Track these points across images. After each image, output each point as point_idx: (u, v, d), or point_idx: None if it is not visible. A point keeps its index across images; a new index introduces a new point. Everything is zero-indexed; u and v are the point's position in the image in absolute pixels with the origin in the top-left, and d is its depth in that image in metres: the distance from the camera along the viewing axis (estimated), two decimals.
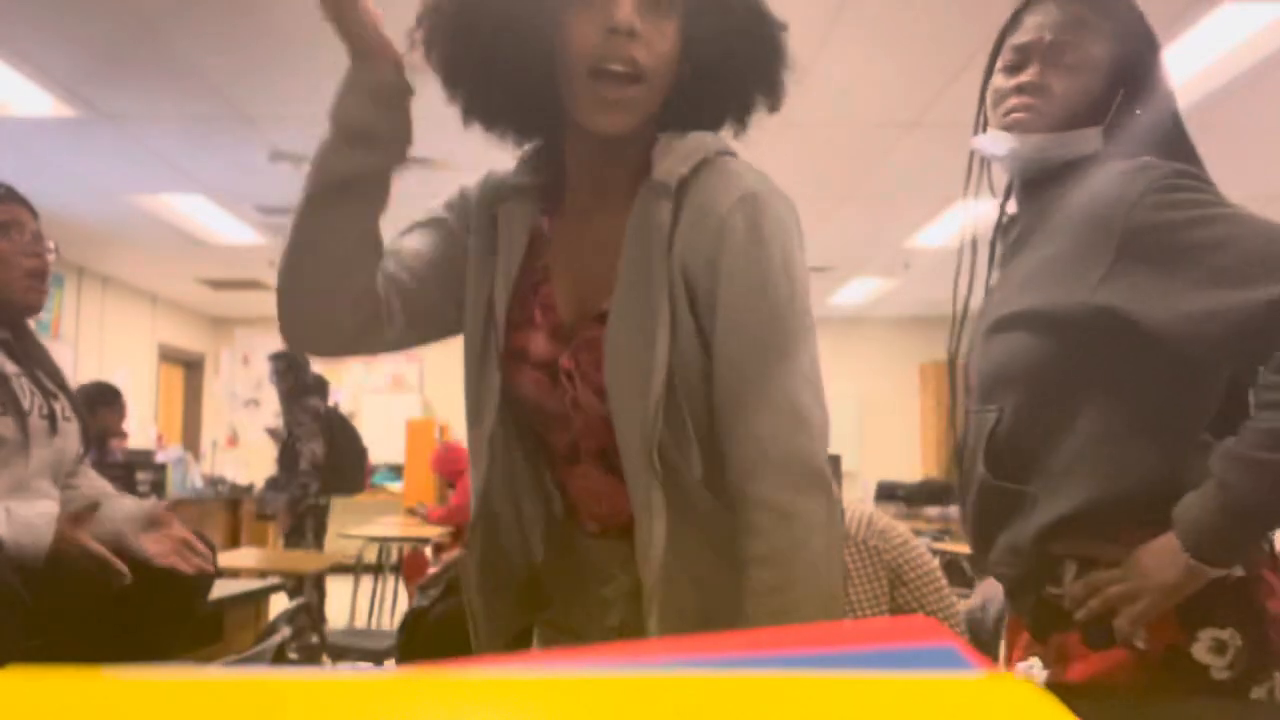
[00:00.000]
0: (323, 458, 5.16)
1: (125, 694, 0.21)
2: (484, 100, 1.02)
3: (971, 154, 1.29)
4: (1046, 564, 1.09)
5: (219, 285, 8.15)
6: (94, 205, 5.66)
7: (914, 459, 9.54)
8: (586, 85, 0.92)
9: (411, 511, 5.95)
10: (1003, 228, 1.27)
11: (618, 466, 0.95)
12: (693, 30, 0.95)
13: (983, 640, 2.07)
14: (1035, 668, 1.11)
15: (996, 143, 1.19)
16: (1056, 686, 1.06)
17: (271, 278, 1.03)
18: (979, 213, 1.34)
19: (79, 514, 1.52)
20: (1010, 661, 1.17)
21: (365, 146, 0.96)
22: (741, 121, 1.07)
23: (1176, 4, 3.28)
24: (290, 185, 5.35)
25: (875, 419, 9.67)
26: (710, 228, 0.92)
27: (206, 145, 4.71)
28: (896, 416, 9.69)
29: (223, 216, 5.95)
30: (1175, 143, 1.20)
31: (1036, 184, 1.20)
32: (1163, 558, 0.99)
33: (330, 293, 0.97)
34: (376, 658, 3.58)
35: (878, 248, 6.79)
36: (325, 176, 0.96)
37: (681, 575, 0.92)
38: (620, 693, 0.22)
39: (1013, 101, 1.18)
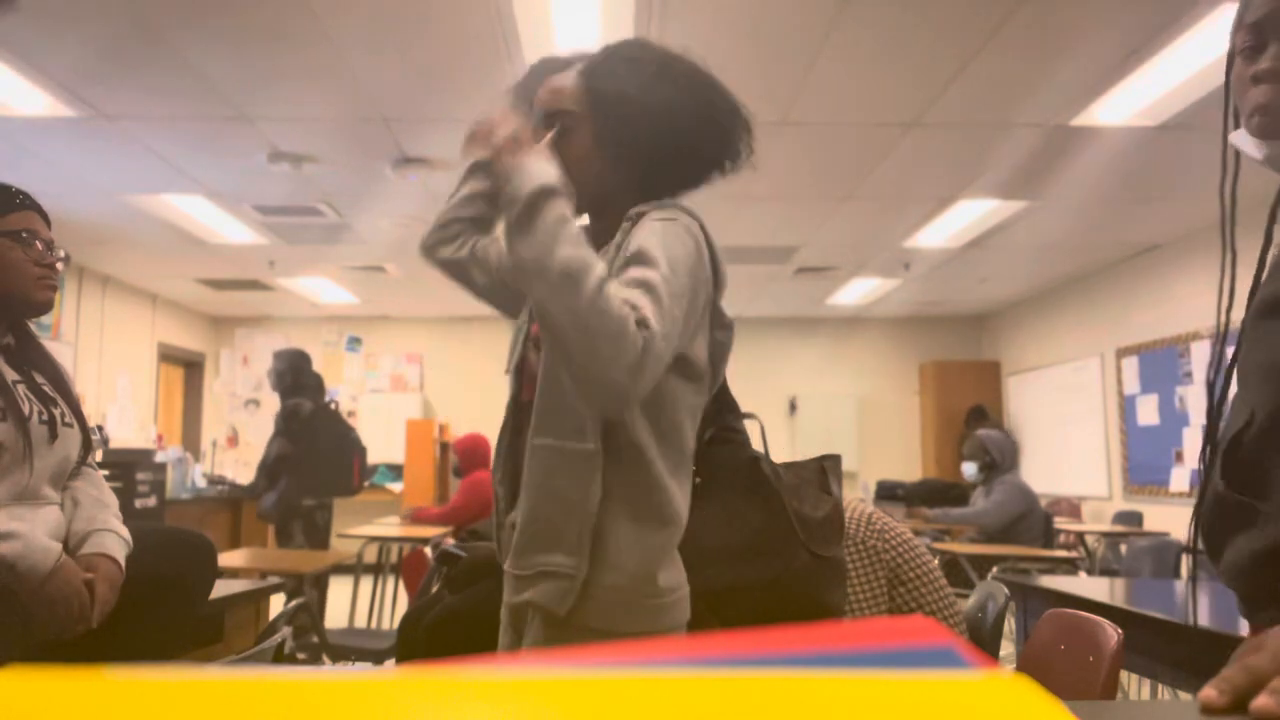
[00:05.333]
0: (273, 457, 5.12)
1: (125, 694, 0.21)
2: None
3: (1225, 147, 1.12)
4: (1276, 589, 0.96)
5: (219, 285, 8.15)
6: (94, 205, 5.66)
7: (914, 459, 9.55)
8: None
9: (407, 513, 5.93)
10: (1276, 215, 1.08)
11: None
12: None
13: (983, 640, 2.07)
14: None
15: (1249, 145, 1.05)
16: None
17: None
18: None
19: (84, 564, 1.59)
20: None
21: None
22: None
23: None
24: (289, 185, 5.38)
25: (875, 419, 9.67)
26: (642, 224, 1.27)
27: (206, 145, 4.71)
28: (896, 416, 9.69)
29: (223, 216, 5.95)
30: None
31: None
32: None
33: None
34: (376, 658, 3.58)
35: (878, 248, 6.79)
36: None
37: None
38: (620, 693, 0.22)
39: (1254, 95, 1.01)
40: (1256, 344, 1.01)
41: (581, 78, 1.33)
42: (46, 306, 1.72)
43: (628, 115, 1.29)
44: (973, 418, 8.90)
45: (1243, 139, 1.05)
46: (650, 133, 1.30)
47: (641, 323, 1.08)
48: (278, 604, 3.80)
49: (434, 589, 3.26)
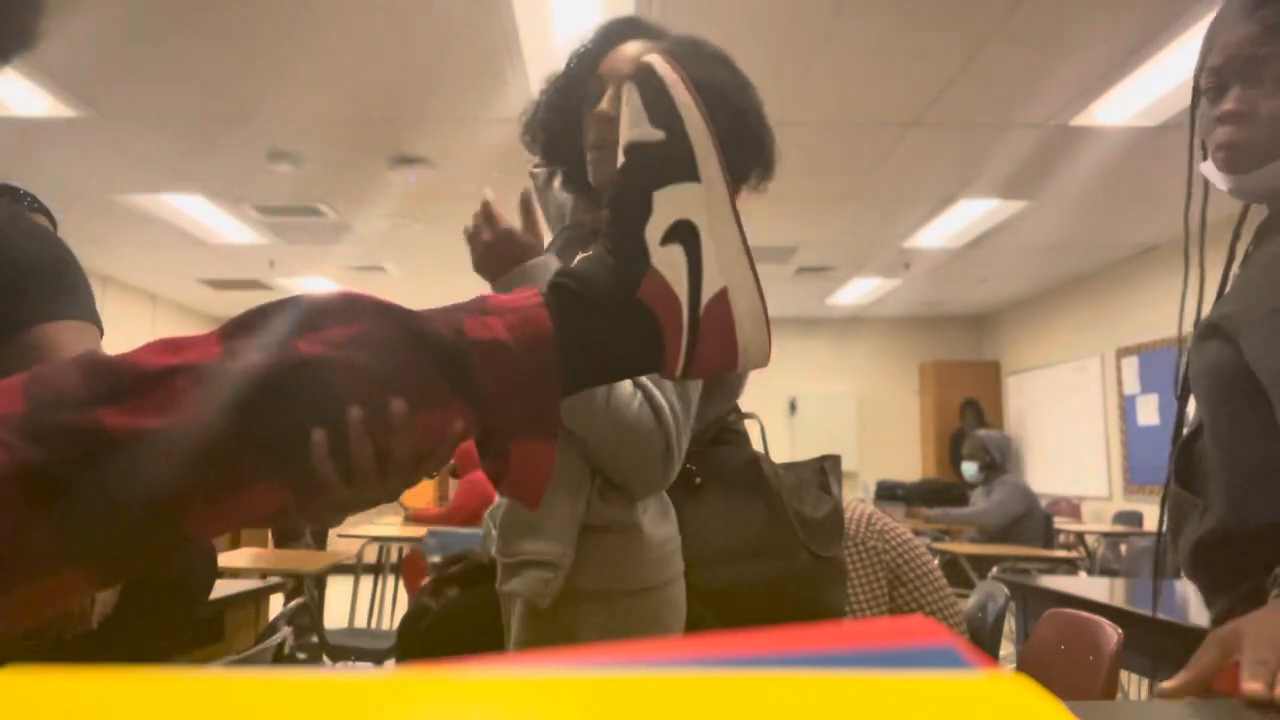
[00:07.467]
0: None
1: (125, 694, 0.21)
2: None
3: (1191, 173, 1.20)
4: (1225, 577, 1.04)
5: (219, 285, 8.15)
6: (94, 205, 5.66)
7: (914, 459, 9.54)
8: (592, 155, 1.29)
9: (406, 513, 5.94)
10: (1239, 234, 1.19)
11: None
12: None
13: (983, 640, 2.07)
14: None
15: (1216, 177, 1.11)
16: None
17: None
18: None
19: None
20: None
21: None
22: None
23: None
24: (289, 185, 5.38)
25: (875, 419, 9.67)
26: None
27: (206, 145, 4.71)
28: (896, 416, 9.69)
29: (223, 216, 5.95)
30: None
31: None
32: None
33: None
34: (376, 658, 3.58)
35: (878, 248, 6.79)
36: None
37: None
38: (620, 693, 0.22)
39: (1219, 135, 1.08)
40: (1193, 362, 1.15)
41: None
42: None
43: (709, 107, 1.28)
44: (967, 411, 8.89)
45: (1211, 170, 1.13)
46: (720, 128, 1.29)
47: (658, 411, 1.11)
48: (278, 604, 3.80)
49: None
